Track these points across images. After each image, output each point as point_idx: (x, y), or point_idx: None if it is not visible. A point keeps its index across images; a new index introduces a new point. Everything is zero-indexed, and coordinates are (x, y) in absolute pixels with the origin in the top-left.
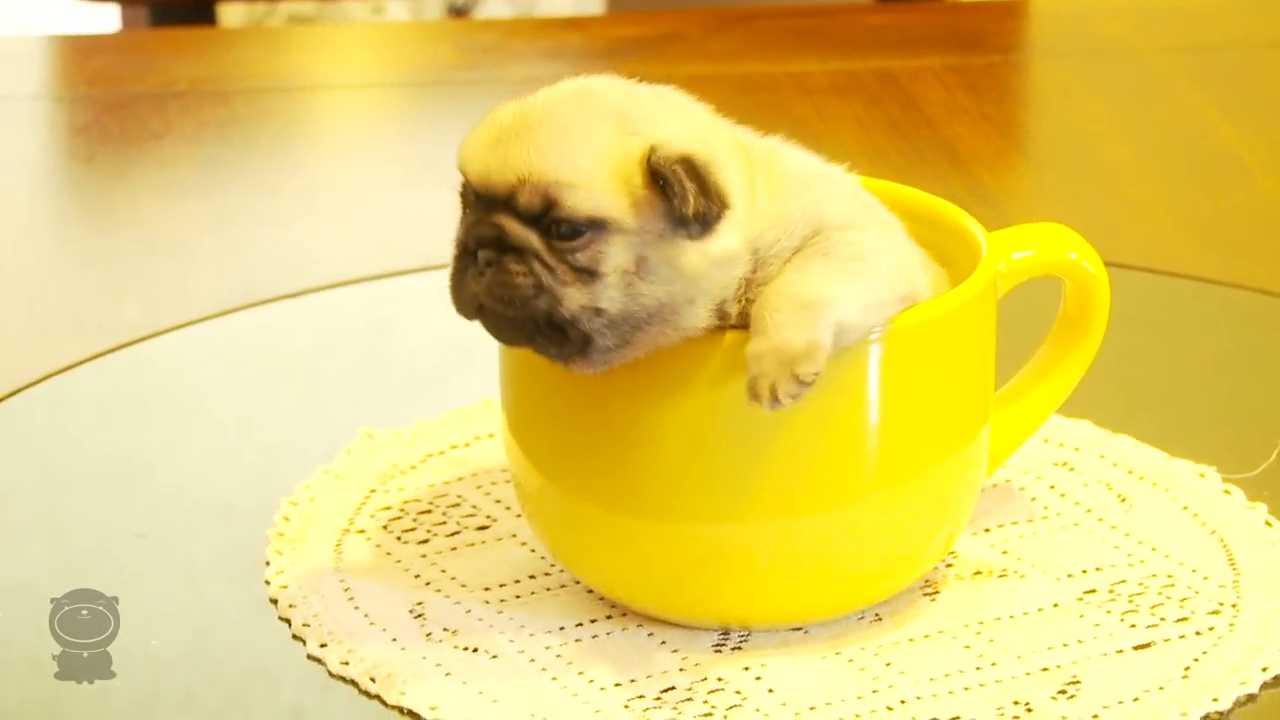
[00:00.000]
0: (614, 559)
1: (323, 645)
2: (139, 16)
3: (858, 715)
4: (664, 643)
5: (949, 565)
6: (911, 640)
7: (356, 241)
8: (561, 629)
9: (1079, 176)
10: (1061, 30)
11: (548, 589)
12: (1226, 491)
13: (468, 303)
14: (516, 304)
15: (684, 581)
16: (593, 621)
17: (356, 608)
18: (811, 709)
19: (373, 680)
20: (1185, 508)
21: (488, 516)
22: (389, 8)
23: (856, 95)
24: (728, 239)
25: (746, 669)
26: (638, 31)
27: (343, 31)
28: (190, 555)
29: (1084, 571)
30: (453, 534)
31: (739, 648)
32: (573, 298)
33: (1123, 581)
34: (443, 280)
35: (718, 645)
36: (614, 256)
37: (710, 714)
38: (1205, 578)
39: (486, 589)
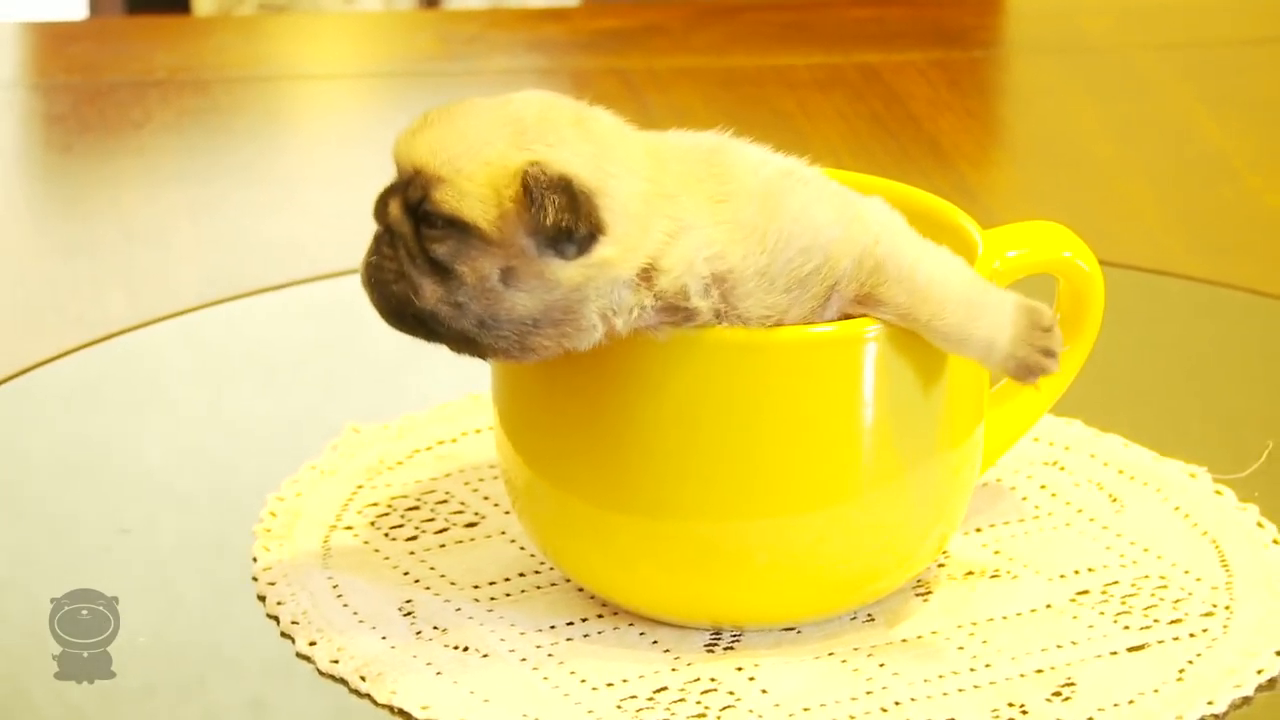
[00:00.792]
0: (605, 557)
1: (312, 643)
2: (110, 3)
3: (852, 717)
4: (656, 642)
5: (941, 565)
6: (905, 641)
7: (339, 231)
8: (552, 627)
9: (1063, 173)
10: (1045, 26)
11: (538, 587)
12: (1218, 492)
13: (361, 281)
14: (380, 286)
15: (676, 580)
16: (584, 620)
17: (345, 605)
18: (805, 710)
19: (363, 679)
20: (1177, 508)
21: (476, 513)
22: None
23: (840, 90)
24: (606, 251)
25: (739, 669)
26: (619, 23)
27: (323, 21)
28: (175, 551)
29: (1076, 572)
30: (441, 531)
31: (731, 647)
32: (429, 290)
33: (1115, 582)
34: None
35: (710, 645)
36: (472, 259)
37: (703, 714)
38: (1198, 579)
39: (476, 586)
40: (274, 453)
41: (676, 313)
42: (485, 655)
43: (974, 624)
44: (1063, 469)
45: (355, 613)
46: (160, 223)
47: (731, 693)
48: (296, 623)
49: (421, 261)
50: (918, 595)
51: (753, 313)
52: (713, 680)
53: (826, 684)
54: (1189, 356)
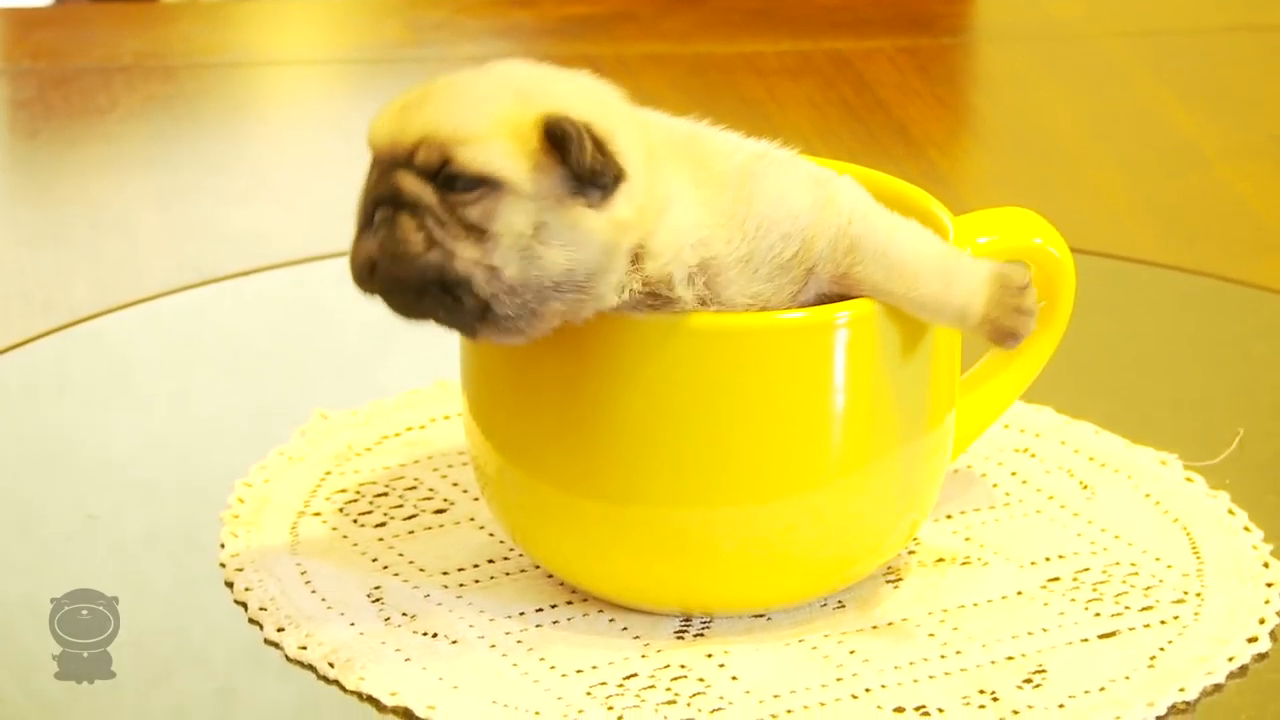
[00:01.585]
0: (574, 543)
1: (280, 629)
2: None
3: (822, 704)
4: (625, 629)
5: (911, 552)
6: (875, 628)
7: (306, 218)
8: (521, 614)
9: (1033, 160)
10: (1014, 13)
11: (506, 573)
12: (1188, 479)
13: (361, 266)
14: (407, 260)
15: (646, 567)
16: (553, 607)
17: (314, 591)
18: (776, 697)
19: (331, 665)
20: (1147, 495)
21: (445, 500)
22: None
23: (809, 77)
24: (625, 209)
25: (710, 656)
26: (588, 10)
27: (291, 7)
28: (142, 537)
29: (1047, 559)
30: (409, 517)
31: (701, 634)
32: (465, 253)
33: (1086, 570)
34: None
35: (679, 632)
36: (507, 216)
37: (673, 701)
38: (1169, 566)
39: (445, 573)
40: (242, 439)
41: (658, 299)
42: (454, 642)
43: (945, 611)
44: (1034, 456)
45: (324, 599)
46: (127, 209)
47: (702, 679)
48: (265, 609)
49: (454, 226)
50: (888, 582)
51: (736, 300)
52: (683, 667)
53: (797, 671)
54: (1160, 344)
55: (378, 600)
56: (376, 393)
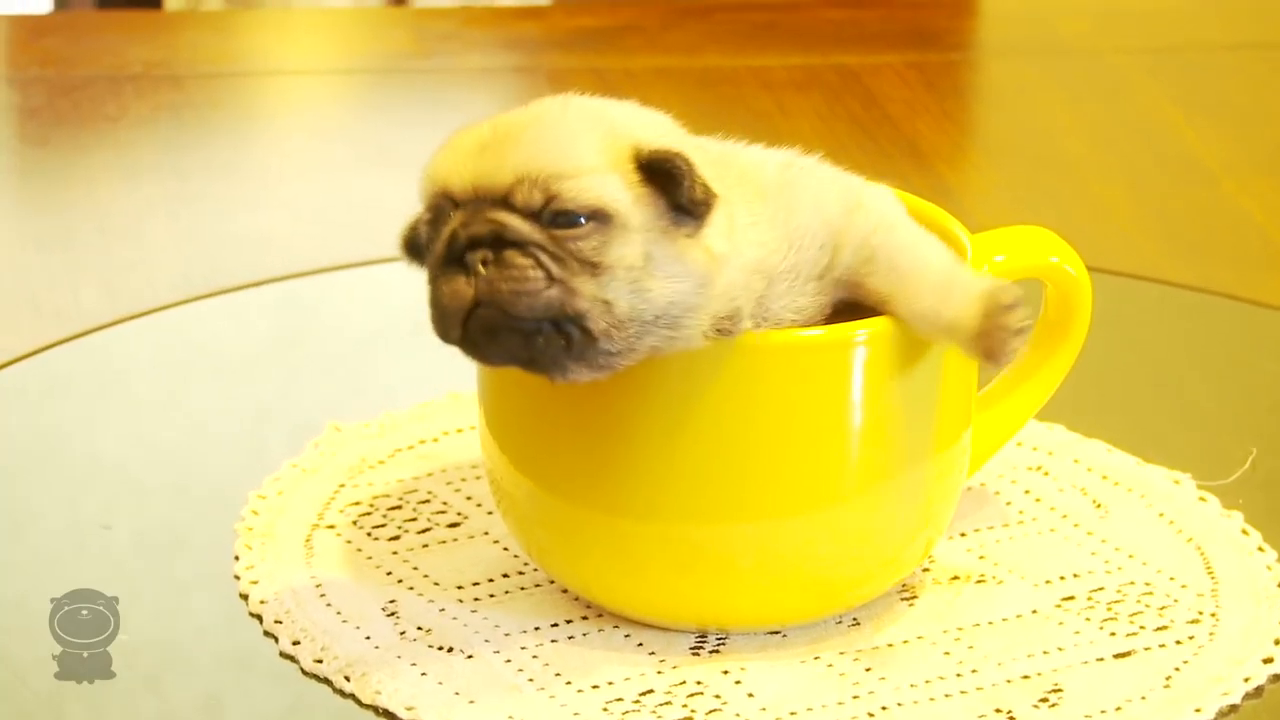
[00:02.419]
0: (591, 559)
1: (295, 643)
2: None
3: None
4: (641, 645)
5: (926, 570)
6: (890, 645)
7: (314, 226)
8: (537, 629)
9: (1041, 176)
10: (1021, 29)
11: (522, 588)
12: (1202, 499)
13: (458, 309)
14: (525, 298)
15: (662, 583)
16: (568, 622)
17: (329, 605)
18: (791, 714)
19: (347, 679)
20: (1161, 514)
21: (459, 514)
22: None
23: (817, 90)
24: (719, 241)
25: (725, 672)
26: (595, 22)
27: (298, 17)
28: (156, 550)
29: (1062, 578)
30: (424, 531)
31: (717, 650)
32: (584, 288)
33: (1101, 589)
34: (404, 269)
35: (695, 648)
36: (619, 249)
37: (689, 718)
38: (1184, 586)
39: (460, 587)
40: (255, 450)
41: (720, 332)
42: (470, 656)
43: (960, 629)
44: (1047, 474)
45: (339, 612)
46: (136, 216)
47: (717, 696)
48: (280, 622)
49: (571, 261)
50: (903, 600)
51: (783, 317)
52: (698, 683)
53: (812, 688)
54: (1171, 362)
55: (393, 614)
56: (387, 405)
